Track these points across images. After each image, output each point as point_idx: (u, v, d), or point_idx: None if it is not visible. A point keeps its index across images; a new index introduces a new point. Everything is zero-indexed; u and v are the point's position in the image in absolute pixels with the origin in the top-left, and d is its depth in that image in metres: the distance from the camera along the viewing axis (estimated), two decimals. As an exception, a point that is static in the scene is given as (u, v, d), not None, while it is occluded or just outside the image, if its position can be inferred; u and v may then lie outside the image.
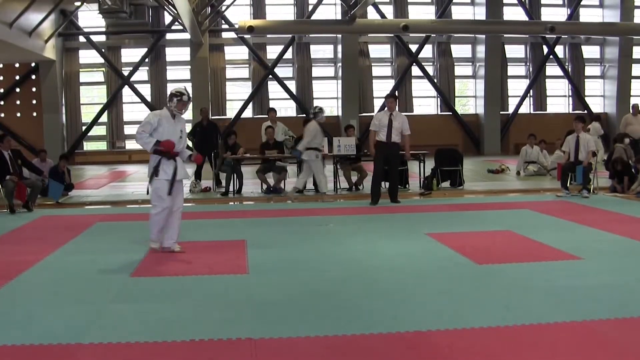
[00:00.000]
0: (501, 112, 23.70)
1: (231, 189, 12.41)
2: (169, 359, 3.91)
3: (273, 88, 23.29)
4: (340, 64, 23.19)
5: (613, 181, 12.16)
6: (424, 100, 24.18)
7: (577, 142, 11.49)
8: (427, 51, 23.99)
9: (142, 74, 22.98)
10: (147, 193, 7.13)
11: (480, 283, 5.55)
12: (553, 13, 23.99)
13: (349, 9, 20.56)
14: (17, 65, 22.10)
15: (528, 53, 24.57)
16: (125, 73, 22.66)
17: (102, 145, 23.27)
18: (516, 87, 24.23)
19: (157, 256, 6.85)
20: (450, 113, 23.84)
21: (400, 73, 23.42)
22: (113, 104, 22.73)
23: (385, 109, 11.18)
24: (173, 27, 22.29)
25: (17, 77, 22.27)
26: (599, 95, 24.91)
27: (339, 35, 22.61)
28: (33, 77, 22.21)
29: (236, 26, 20.98)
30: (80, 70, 22.79)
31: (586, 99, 24.40)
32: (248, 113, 23.08)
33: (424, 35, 23.15)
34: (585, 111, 23.23)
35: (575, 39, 24.25)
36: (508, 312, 4.64)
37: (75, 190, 13.13)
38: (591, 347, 3.99)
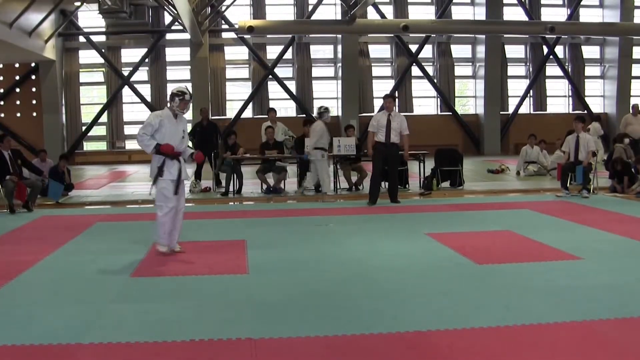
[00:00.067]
0: (501, 112, 23.71)
1: (231, 189, 12.42)
2: (169, 359, 3.90)
3: (273, 88, 23.30)
4: (340, 64, 23.20)
5: (613, 181, 12.16)
6: (424, 100, 24.19)
7: (577, 142, 11.49)
8: (427, 51, 24.00)
9: (142, 74, 23.00)
10: (150, 194, 7.10)
11: (480, 283, 5.55)
12: (553, 13, 24.00)
13: (349, 9, 20.57)
14: (17, 65, 22.11)
15: (528, 53, 24.58)
16: (125, 73, 22.67)
17: (102, 146, 23.28)
18: (516, 87, 24.24)
19: (157, 256, 6.84)
20: (450, 113, 23.84)
21: (400, 73, 23.42)
22: (113, 104, 22.74)
23: (384, 109, 11.18)
24: (173, 27, 22.30)
25: (17, 77, 22.28)
26: (599, 96, 24.92)
27: (339, 36, 22.62)
28: (33, 77, 22.23)
29: (236, 26, 21.00)
30: (80, 70, 22.80)
31: (586, 99, 24.41)
32: (248, 113, 23.09)
33: (424, 35, 23.16)
34: (585, 111, 23.24)
35: (575, 39, 24.27)
36: (508, 312, 4.64)
37: (75, 190, 13.13)
38: (591, 347, 3.99)
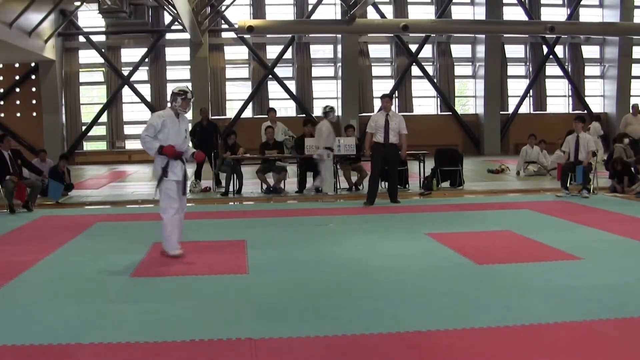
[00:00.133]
0: (501, 112, 23.71)
1: (231, 189, 12.42)
2: (169, 359, 3.91)
3: (273, 88, 23.29)
4: (340, 64, 23.20)
5: (613, 181, 12.16)
6: (424, 100, 24.18)
7: (577, 142, 11.49)
8: (427, 51, 23.99)
9: (142, 73, 22.99)
10: (155, 196, 7.07)
11: (480, 283, 5.55)
12: (553, 13, 23.99)
13: (348, 9, 20.56)
14: (17, 65, 22.11)
15: (528, 53, 24.57)
16: (125, 73, 22.67)
17: (102, 145, 23.28)
18: (516, 87, 24.23)
19: (157, 256, 6.84)
20: (450, 113, 23.84)
21: (400, 73, 23.42)
22: (113, 104, 22.74)
23: (382, 109, 11.18)
24: (173, 27, 22.29)
25: (17, 77, 22.28)
26: (599, 95, 24.92)
27: (339, 35, 22.61)
28: (33, 77, 22.23)
29: (236, 26, 20.99)
30: (80, 70, 22.80)
31: (586, 99, 24.40)
32: (248, 113, 23.09)
33: (423, 35, 23.16)
34: (585, 111, 23.24)
35: (575, 38, 24.26)
36: (508, 312, 4.64)
37: (75, 190, 13.12)
38: (591, 347, 3.99)
